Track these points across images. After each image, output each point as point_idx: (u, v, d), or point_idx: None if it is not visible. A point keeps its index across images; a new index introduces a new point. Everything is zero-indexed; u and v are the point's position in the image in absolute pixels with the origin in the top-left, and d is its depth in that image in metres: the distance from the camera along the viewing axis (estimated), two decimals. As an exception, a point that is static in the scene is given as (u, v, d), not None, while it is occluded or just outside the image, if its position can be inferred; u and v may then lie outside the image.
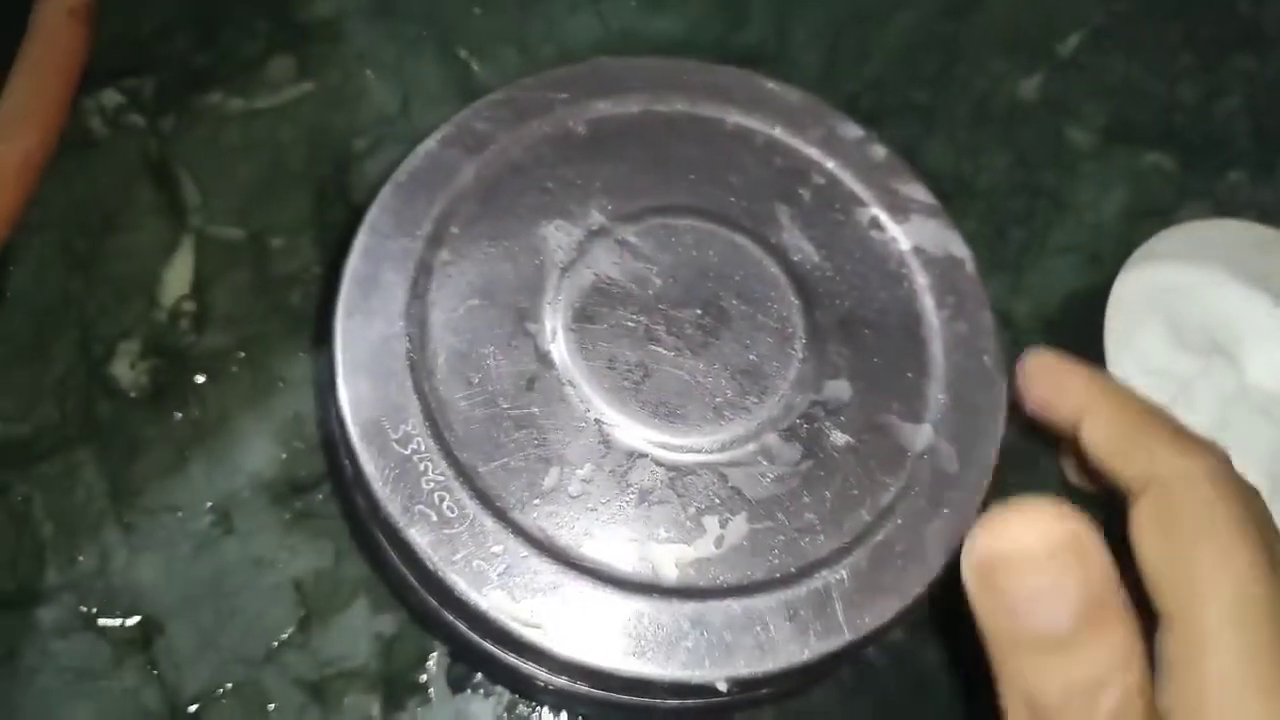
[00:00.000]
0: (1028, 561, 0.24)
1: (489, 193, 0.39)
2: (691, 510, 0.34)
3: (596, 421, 0.35)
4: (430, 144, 0.40)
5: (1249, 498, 0.28)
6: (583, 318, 0.36)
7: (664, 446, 0.35)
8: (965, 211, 0.54)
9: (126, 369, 0.47)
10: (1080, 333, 0.52)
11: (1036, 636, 0.24)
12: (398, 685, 0.43)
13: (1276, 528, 0.28)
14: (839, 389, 0.37)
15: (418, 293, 0.37)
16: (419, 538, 0.33)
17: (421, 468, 0.34)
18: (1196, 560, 0.26)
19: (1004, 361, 0.39)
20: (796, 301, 0.38)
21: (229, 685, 0.42)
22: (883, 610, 0.33)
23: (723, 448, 0.35)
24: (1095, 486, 0.34)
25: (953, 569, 0.29)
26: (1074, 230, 0.55)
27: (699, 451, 0.35)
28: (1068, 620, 0.24)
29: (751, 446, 0.36)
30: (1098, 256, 0.54)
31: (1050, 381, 0.34)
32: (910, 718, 0.45)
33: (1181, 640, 0.26)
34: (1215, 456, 0.29)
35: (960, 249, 0.41)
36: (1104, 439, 0.31)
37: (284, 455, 0.46)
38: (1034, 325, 0.53)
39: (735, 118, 0.42)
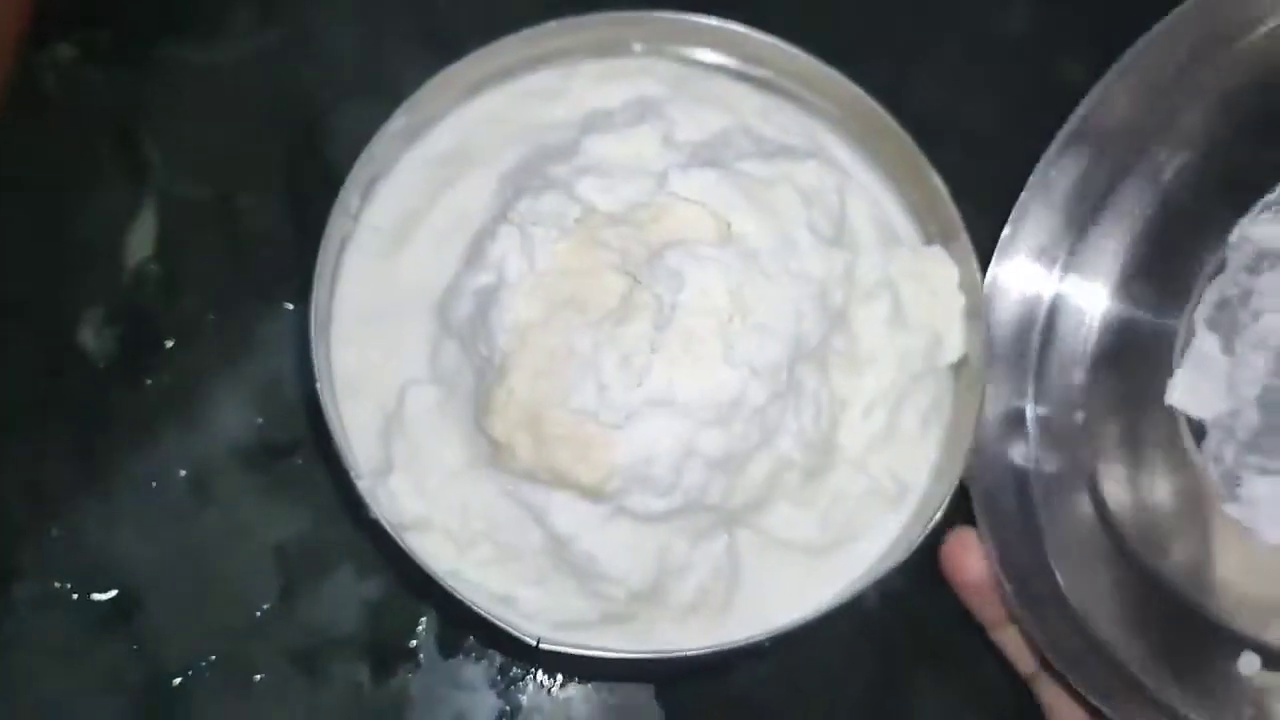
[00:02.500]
0: None
1: None
2: None
3: None
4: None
5: None
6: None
7: None
8: (953, 153, 0.51)
9: (93, 336, 0.45)
10: None
11: None
12: (387, 651, 0.42)
13: None
14: None
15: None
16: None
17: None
18: None
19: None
20: None
21: (213, 657, 0.42)
22: None
23: None
24: None
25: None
26: None
27: None
28: None
29: None
30: None
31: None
32: (909, 663, 0.44)
33: None
34: None
35: None
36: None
37: (260, 419, 0.45)
38: None
39: None
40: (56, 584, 0.42)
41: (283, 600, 0.42)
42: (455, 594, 0.33)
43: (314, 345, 0.36)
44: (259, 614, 0.42)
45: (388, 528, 0.34)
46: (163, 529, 0.43)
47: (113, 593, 0.42)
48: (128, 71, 0.49)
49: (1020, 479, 0.37)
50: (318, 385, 0.35)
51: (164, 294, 0.46)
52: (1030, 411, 0.38)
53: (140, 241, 0.47)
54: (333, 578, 0.43)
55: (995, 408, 0.37)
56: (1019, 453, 0.37)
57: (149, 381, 0.44)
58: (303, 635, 0.42)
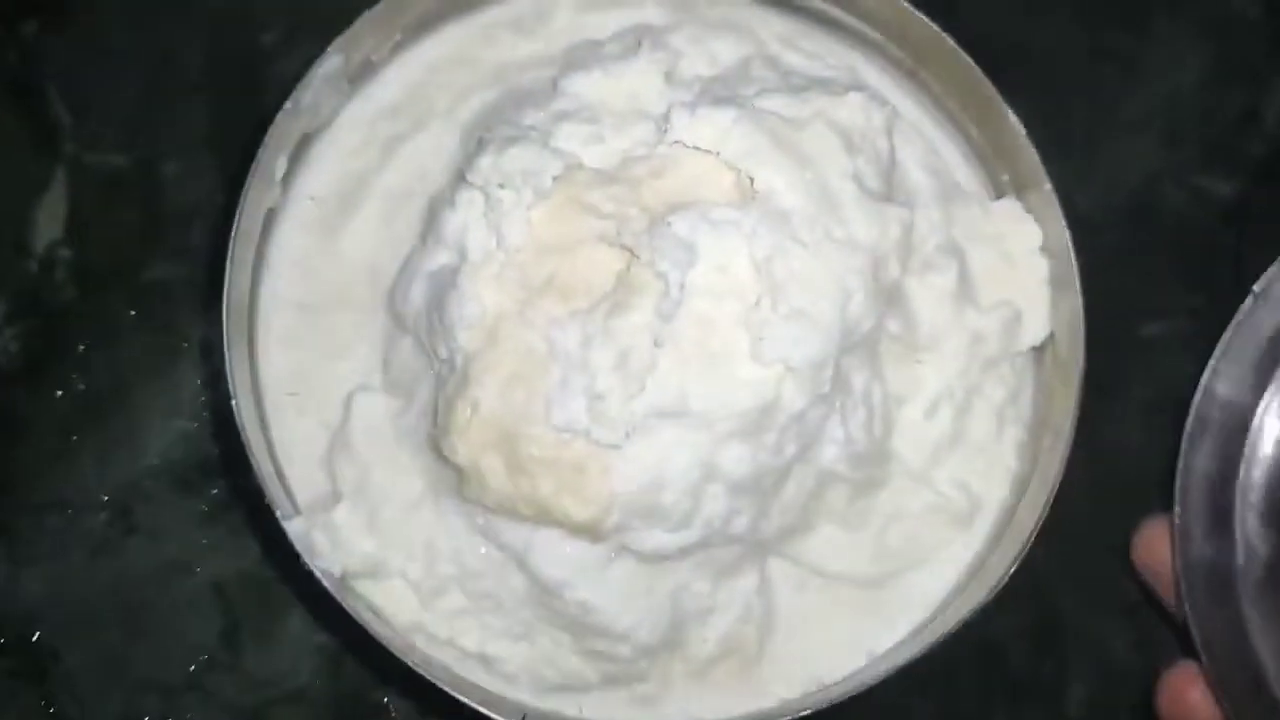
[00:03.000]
0: None
1: None
2: None
3: None
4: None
5: None
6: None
7: None
8: (1016, 84, 0.46)
9: None
10: (1151, 228, 0.46)
11: None
12: (351, 709, 0.38)
13: None
14: None
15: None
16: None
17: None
18: None
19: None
20: None
21: (145, 719, 0.37)
22: None
23: None
24: None
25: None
26: (1147, 101, 0.47)
27: None
28: None
29: None
30: (1178, 135, 0.47)
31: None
32: (980, 699, 0.40)
33: None
34: None
35: None
36: None
37: (193, 431, 0.40)
38: (1105, 218, 0.45)
39: None
40: (-44, 636, 0.38)
41: (225, 648, 0.38)
42: (415, 669, 0.27)
43: (228, 348, 0.30)
44: (196, 665, 0.38)
45: (327, 585, 0.28)
46: (82, 566, 0.39)
47: (25, 643, 0.38)
48: (32, 21, 0.45)
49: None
50: (233, 401, 0.30)
51: (76, 284, 0.42)
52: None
53: (49, 221, 0.42)
54: (283, 620, 0.38)
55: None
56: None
57: (60, 391, 0.40)
58: (250, 689, 0.38)
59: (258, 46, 0.44)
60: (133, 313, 0.41)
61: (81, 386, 0.40)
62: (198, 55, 0.44)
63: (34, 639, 0.38)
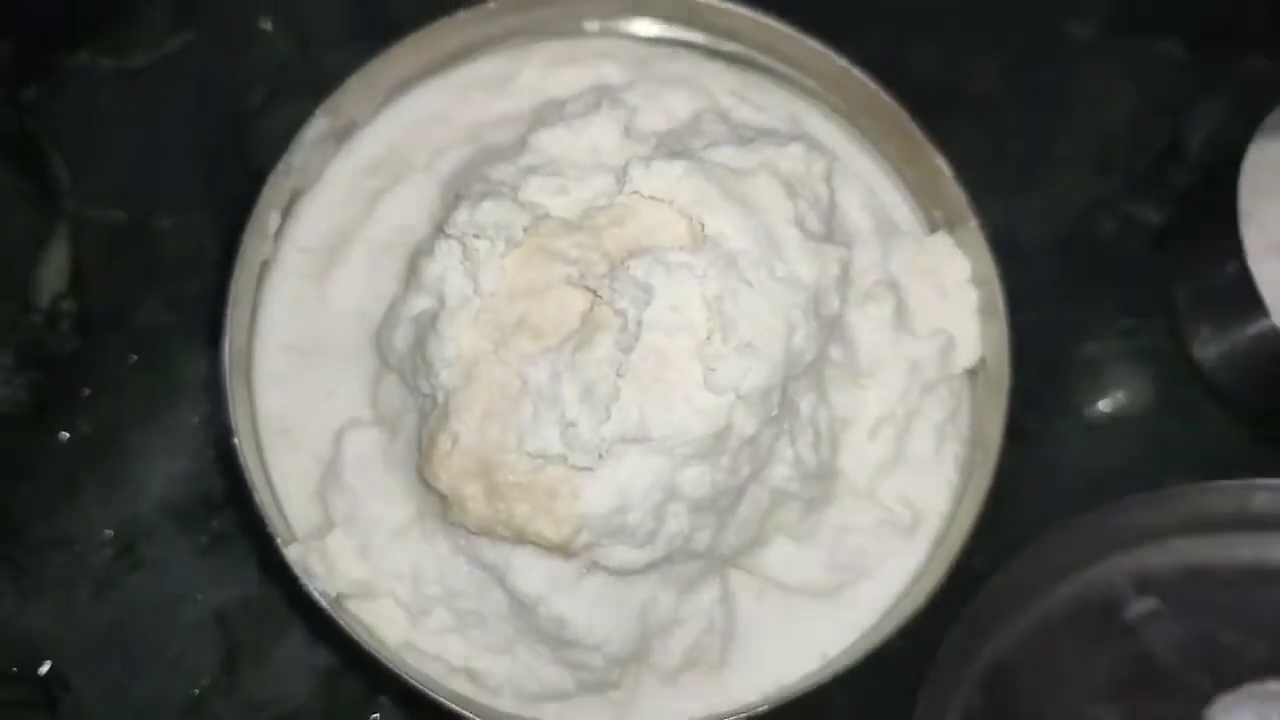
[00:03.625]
0: None
1: None
2: None
3: None
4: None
5: None
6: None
7: None
8: (955, 126, 0.48)
9: (1, 384, 0.41)
10: (1086, 255, 0.47)
11: None
12: None
13: None
14: None
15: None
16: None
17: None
18: None
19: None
20: None
21: None
22: None
23: None
24: None
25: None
26: (1080, 138, 0.49)
27: None
28: None
29: None
30: (1108, 166, 0.49)
31: None
32: None
33: None
34: None
35: None
36: None
37: (192, 468, 0.41)
38: (1045, 248, 0.47)
39: None
40: (-31, 667, 0.38)
41: (225, 673, 0.39)
42: (406, 679, 0.29)
43: (227, 389, 0.32)
44: (199, 690, 0.39)
45: (323, 604, 0.29)
46: (87, 599, 0.39)
47: (35, 674, 0.38)
48: (31, 86, 0.46)
49: None
50: (234, 439, 0.31)
51: (79, 333, 0.42)
52: None
53: (52, 274, 0.43)
54: (281, 645, 0.39)
55: None
56: None
57: (65, 433, 0.41)
58: (248, 713, 0.38)
59: (243, 108, 0.45)
60: (133, 358, 0.42)
61: (85, 430, 0.41)
62: (187, 117, 0.45)
63: (44, 669, 0.38)
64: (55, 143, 0.45)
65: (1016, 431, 0.35)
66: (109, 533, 0.40)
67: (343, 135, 0.37)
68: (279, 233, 0.35)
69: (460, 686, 0.32)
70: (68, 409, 0.41)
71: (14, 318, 0.42)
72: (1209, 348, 0.45)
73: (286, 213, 0.36)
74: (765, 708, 0.31)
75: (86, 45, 0.46)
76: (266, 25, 0.47)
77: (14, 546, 0.39)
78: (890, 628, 0.32)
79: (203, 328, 0.42)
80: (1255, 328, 0.42)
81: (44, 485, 0.40)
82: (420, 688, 0.29)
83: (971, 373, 0.36)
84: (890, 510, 0.34)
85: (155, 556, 0.40)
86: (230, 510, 0.41)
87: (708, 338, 0.30)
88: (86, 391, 0.41)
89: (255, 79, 0.46)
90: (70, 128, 0.45)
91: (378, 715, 0.39)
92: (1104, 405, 0.46)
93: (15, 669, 0.38)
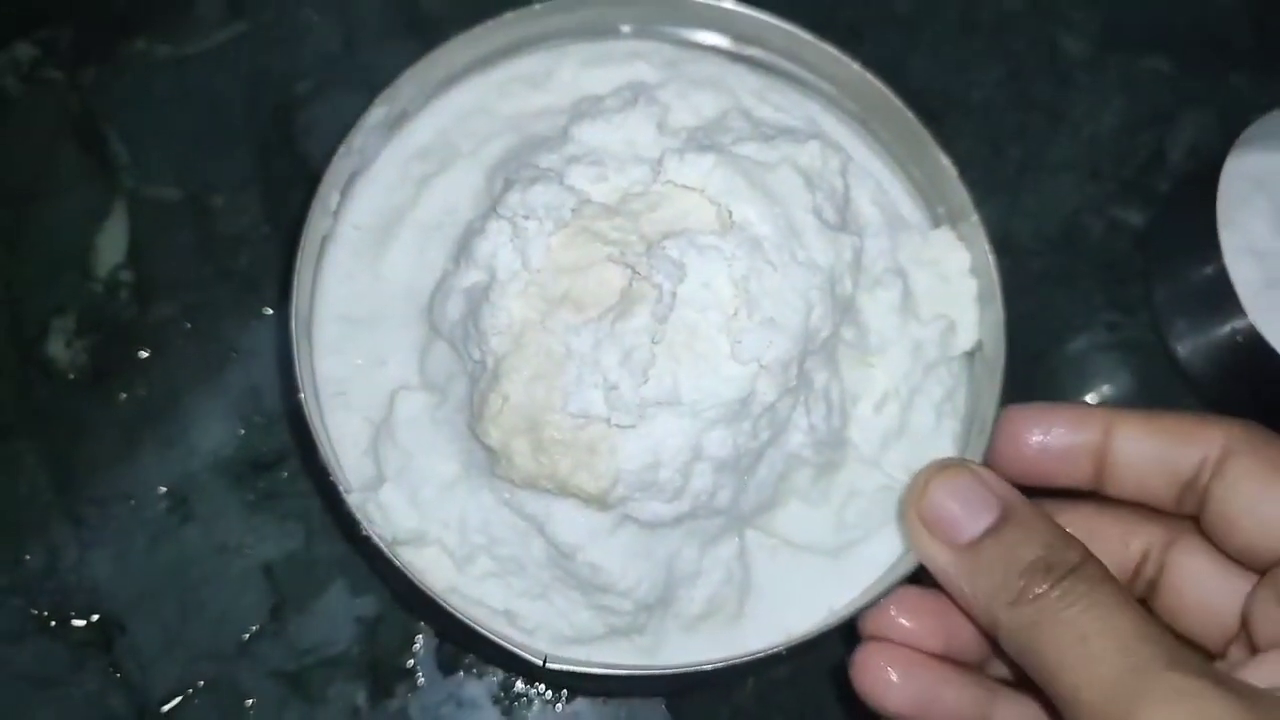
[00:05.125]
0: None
1: None
2: None
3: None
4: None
5: None
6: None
7: None
8: (958, 131, 0.51)
9: (63, 348, 0.43)
10: (1075, 253, 0.50)
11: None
12: (384, 671, 0.41)
13: None
14: None
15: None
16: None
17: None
18: None
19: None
20: None
21: (200, 683, 0.40)
22: None
23: None
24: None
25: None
26: (1071, 145, 0.52)
27: None
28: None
29: None
30: (1097, 172, 0.51)
31: (1051, 421, 0.33)
32: None
33: None
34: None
35: None
36: (1149, 438, 0.32)
37: (242, 431, 0.43)
38: (1036, 247, 0.50)
39: None
40: (33, 611, 0.40)
41: (272, 620, 0.41)
42: (456, 614, 0.31)
43: (295, 353, 0.34)
44: (248, 636, 0.40)
45: (381, 546, 0.32)
46: (143, 549, 0.41)
47: (93, 618, 0.40)
48: (91, 69, 0.48)
49: None
50: (301, 396, 0.33)
51: (137, 302, 0.44)
52: None
53: (111, 246, 0.45)
54: (324, 596, 0.41)
55: None
56: None
57: (123, 395, 0.43)
58: (295, 656, 0.40)
59: (292, 95, 0.48)
60: (187, 325, 0.43)
61: (142, 392, 0.43)
62: (239, 103, 0.47)
63: (103, 614, 0.40)
64: (113, 124, 0.47)
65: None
66: (163, 489, 0.42)
67: (395, 123, 0.38)
68: (337, 210, 0.37)
69: (500, 628, 0.33)
70: (126, 372, 0.43)
71: (76, 285, 0.44)
72: (1187, 342, 0.48)
73: (344, 193, 0.37)
74: (780, 649, 0.33)
75: (143, 33, 0.48)
76: (316, 20, 0.49)
77: (77, 501, 0.41)
78: (889, 584, 0.34)
79: (252, 299, 0.45)
80: (1230, 324, 0.45)
81: (103, 444, 0.42)
82: (468, 621, 0.31)
83: (969, 355, 0.38)
84: (893, 477, 0.36)
85: (206, 511, 0.41)
86: (278, 469, 0.43)
87: (734, 313, 0.31)
88: (144, 355, 0.43)
89: (302, 70, 0.48)
90: (128, 110, 0.47)
91: (414, 663, 0.41)
92: (1089, 396, 0.48)
93: (74, 613, 0.40)
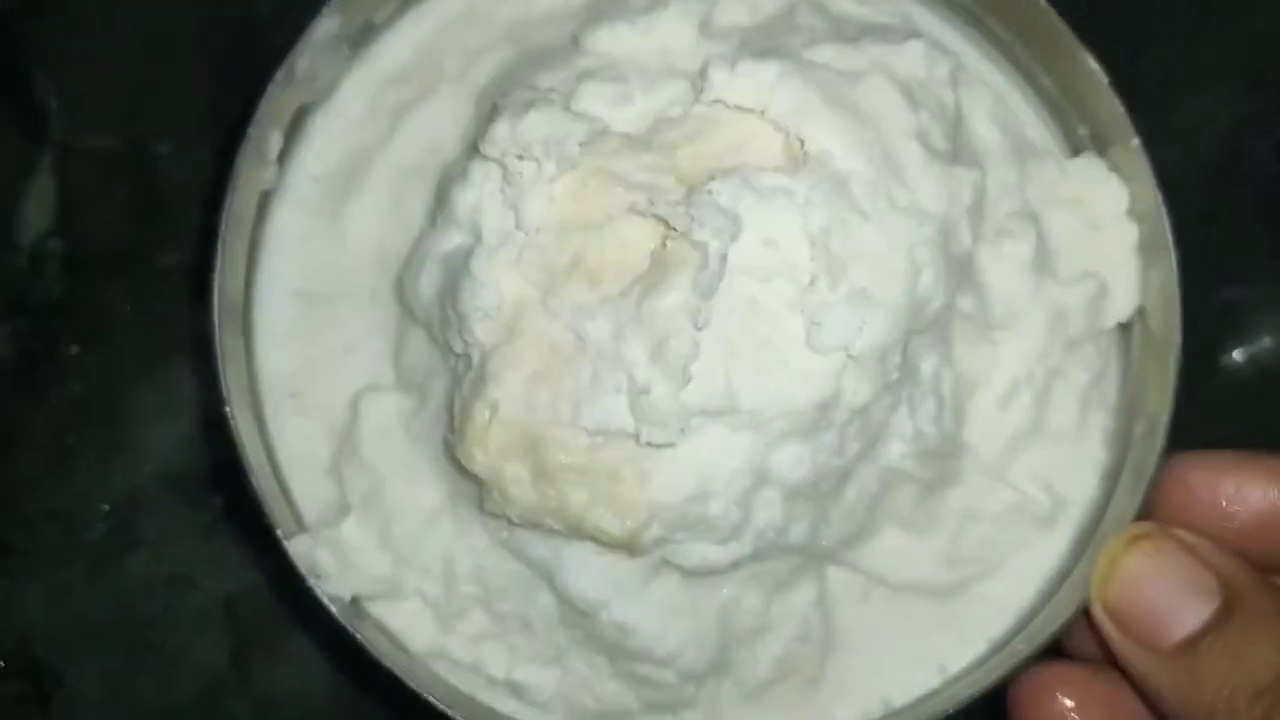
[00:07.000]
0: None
1: None
2: None
3: None
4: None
5: None
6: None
7: None
8: (1081, 32, 0.43)
9: None
10: (1234, 185, 0.43)
11: None
12: None
13: None
14: None
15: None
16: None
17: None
18: None
19: None
20: None
21: None
22: None
23: None
24: None
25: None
26: (1226, 45, 0.45)
27: None
28: None
29: None
30: (1260, 79, 0.44)
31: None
32: None
33: None
34: None
35: None
36: None
37: (195, 433, 0.39)
38: (1188, 177, 0.42)
39: None
40: (-48, 659, 0.37)
41: (234, 668, 0.37)
42: (436, 705, 0.26)
43: (219, 345, 0.28)
44: (206, 686, 0.37)
45: (334, 610, 0.26)
46: (82, 581, 0.38)
47: (26, 663, 0.37)
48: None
49: None
50: (225, 407, 0.27)
51: (69, 278, 0.40)
52: None
53: (36, 211, 0.41)
54: (296, 638, 0.37)
55: None
56: None
57: (55, 393, 0.39)
58: (261, 711, 0.37)
59: (252, 15, 0.42)
60: (129, 307, 0.40)
61: (76, 389, 0.39)
62: (189, 28, 0.43)
63: (36, 660, 0.36)
64: (39, 60, 0.43)
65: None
66: (105, 507, 0.38)
67: (359, 39, 0.33)
68: (283, 156, 0.31)
69: (503, 704, 0.28)
70: (56, 365, 0.39)
71: (-4, 261, 0.40)
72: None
73: (291, 133, 0.31)
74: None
75: (73, -50, 0.44)
76: (276, -82, 0.43)
77: (2, 522, 0.38)
78: (1032, 641, 0.27)
79: (204, 270, 0.39)
80: None
81: (32, 452, 0.38)
82: (454, 716, 0.25)
83: (1124, 328, 0.31)
84: (1024, 494, 0.30)
85: (155, 534, 0.38)
86: (239, 483, 0.37)
87: (811, 283, 0.26)
88: (76, 347, 0.40)
89: (263, -15, 0.43)
90: (56, 43, 0.43)
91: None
92: (1239, 355, 0.44)
93: (2, 662, 0.37)
